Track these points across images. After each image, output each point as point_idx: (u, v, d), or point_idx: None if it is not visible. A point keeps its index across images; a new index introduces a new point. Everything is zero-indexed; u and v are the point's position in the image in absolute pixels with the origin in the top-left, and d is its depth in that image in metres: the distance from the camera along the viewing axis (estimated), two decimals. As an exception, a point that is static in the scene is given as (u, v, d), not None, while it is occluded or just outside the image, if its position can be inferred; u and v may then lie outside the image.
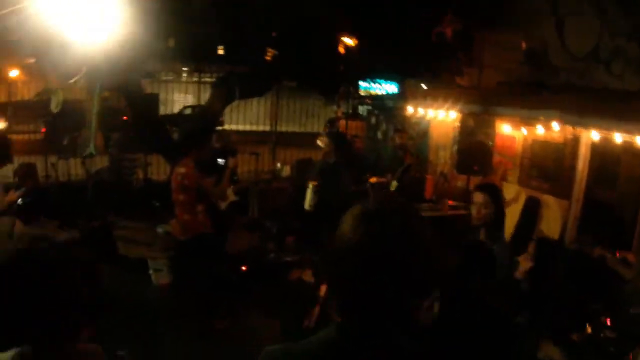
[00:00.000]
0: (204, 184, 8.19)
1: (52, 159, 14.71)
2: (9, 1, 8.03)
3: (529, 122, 10.55)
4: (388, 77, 24.14)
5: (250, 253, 11.39)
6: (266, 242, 11.94)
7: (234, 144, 11.89)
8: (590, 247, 7.99)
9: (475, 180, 10.78)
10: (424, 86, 14.99)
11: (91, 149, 15.73)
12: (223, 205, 9.80)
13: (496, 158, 11.80)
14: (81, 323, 2.39)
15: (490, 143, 11.72)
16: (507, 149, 11.91)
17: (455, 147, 12.90)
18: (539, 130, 10.44)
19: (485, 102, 11.18)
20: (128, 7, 8.47)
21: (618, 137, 8.56)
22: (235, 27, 15.84)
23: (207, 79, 21.06)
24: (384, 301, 2.02)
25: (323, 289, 9.35)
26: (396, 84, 22.67)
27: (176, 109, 26.32)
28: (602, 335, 6.72)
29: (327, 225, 8.39)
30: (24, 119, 21.84)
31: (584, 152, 9.69)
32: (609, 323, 6.76)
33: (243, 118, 20.55)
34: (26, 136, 18.82)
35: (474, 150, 11.37)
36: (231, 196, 10.21)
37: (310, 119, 22.50)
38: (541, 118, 9.82)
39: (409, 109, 13.65)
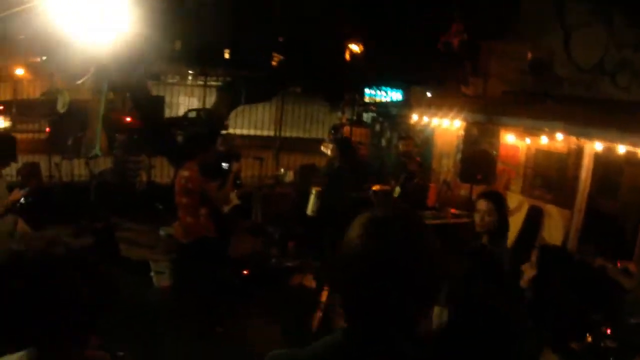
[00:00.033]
0: (207, 187, 8.19)
1: (56, 159, 14.69)
2: (17, 1, 8.06)
3: (532, 132, 10.55)
4: (393, 85, 24.18)
5: (252, 257, 11.39)
6: (269, 247, 11.94)
7: (238, 148, 11.89)
8: (591, 257, 7.99)
9: (478, 189, 10.76)
10: (429, 94, 15.00)
11: (97, 150, 15.75)
12: (226, 209, 9.81)
13: (499, 167, 11.80)
14: (89, 329, 2.38)
15: (495, 152, 11.71)
16: (510, 158, 11.92)
17: (459, 156, 12.89)
18: (543, 140, 10.46)
19: (490, 111, 11.18)
20: (136, 8, 8.49)
21: (621, 148, 8.57)
22: (242, 32, 15.86)
23: (213, 83, 21.07)
24: (390, 307, 2.04)
25: (325, 294, 9.38)
26: (401, 91, 22.69)
27: (181, 112, 26.32)
28: (602, 344, 6.72)
29: (330, 230, 8.40)
30: (29, 117, 21.85)
31: (587, 162, 9.68)
32: (609, 333, 6.75)
33: (247, 122, 20.55)
34: (30, 135, 18.82)
35: (477, 159, 11.36)
36: (234, 200, 10.21)
37: (315, 125, 22.48)
38: (545, 129, 9.83)
39: (414, 117, 13.65)
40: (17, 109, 23.04)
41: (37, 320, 2.23)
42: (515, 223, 10.49)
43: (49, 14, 8.07)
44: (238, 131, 19.85)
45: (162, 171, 16.28)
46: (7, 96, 23.32)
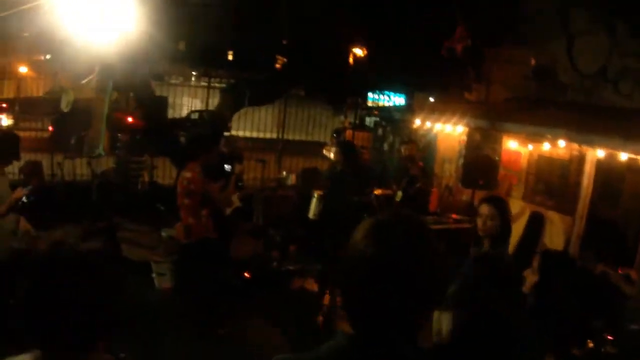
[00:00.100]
0: (209, 189, 8.20)
1: (59, 158, 14.69)
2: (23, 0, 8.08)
3: (535, 138, 10.56)
4: (396, 89, 24.19)
5: (253, 260, 11.40)
6: (270, 249, 11.94)
7: (240, 150, 11.92)
8: (593, 264, 7.99)
9: (480, 194, 10.76)
10: (431, 99, 15.02)
11: (100, 149, 15.77)
12: (228, 211, 9.82)
13: (501, 173, 11.80)
14: (98, 334, 2.37)
15: (497, 158, 11.72)
16: (512, 164, 11.92)
17: (461, 161, 12.87)
18: (545, 146, 10.47)
19: (493, 117, 11.19)
20: (140, 8, 8.52)
21: (623, 156, 8.58)
22: (245, 34, 15.89)
23: (216, 84, 21.09)
24: (393, 310, 2.05)
25: (326, 297, 9.39)
26: (404, 96, 22.70)
27: (184, 113, 26.35)
28: (603, 350, 6.73)
29: (331, 234, 8.41)
30: (31, 116, 21.88)
31: (588, 169, 9.68)
32: (610, 339, 6.77)
33: (250, 125, 20.58)
34: (33, 133, 18.83)
35: (479, 164, 11.35)
36: (236, 202, 10.22)
37: (317, 128, 22.52)
38: (548, 135, 9.84)
39: (416, 122, 13.66)
40: (20, 107, 23.08)
41: (42, 322, 2.23)
42: (517, 229, 10.49)
43: (54, 13, 8.10)
44: (241, 133, 19.90)
45: (164, 172, 16.29)
46: (11, 94, 23.36)
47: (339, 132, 17.72)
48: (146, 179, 15.92)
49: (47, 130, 19.61)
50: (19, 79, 22.92)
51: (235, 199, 10.14)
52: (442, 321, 6.01)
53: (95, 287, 2.27)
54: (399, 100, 25.16)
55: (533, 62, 11.62)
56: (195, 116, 26.53)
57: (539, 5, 11.67)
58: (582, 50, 10.65)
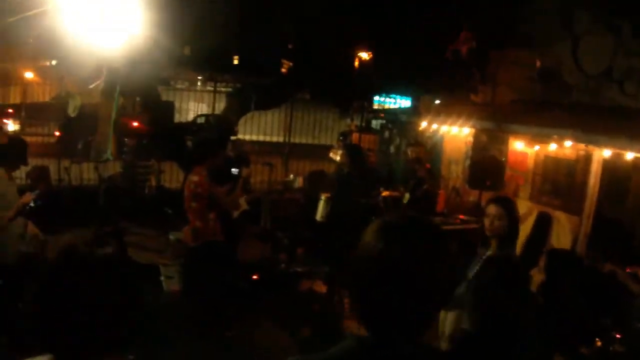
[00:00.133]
0: (216, 192, 8.22)
1: (66, 162, 14.72)
2: (30, 5, 8.12)
3: (541, 139, 10.56)
4: (402, 92, 24.23)
5: (261, 263, 11.41)
6: (278, 252, 11.95)
7: (247, 154, 11.93)
8: (600, 263, 7.99)
9: (487, 195, 10.75)
10: (437, 102, 15.04)
11: (108, 154, 15.80)
12: (235, 214, 9.84)
13: (508, 174, 11.80)
14: (111, 339, 2.36)
15: (503, 159, 11.71)
16: (519, 164, 11.91)
17: (468, 162, 12.88)
18: (551, 146, 10.47)
19: (499, 119, 11.19)
20: (146, 12, 8.55)
21: (630, 155, 8.59)
22: (251, 38, 15.95)
23: (222, 89, 21.11)
24: (403, 311, 2.07)
25: (335, 299, 9.42)
26: (410, 99, 22.73)
27: (190, 117, 26.38)
28: (611, 349, 6.73)
29: (338, 236, 8.43)
30: (38, 121, 21.93)
31: (595, 169, 9.67)
32: (618, 337, 6.77)
33: (257, 129, 20.58)
34: (40, 138, 18.88)
35: (486, 165, 11.35)
36: (243, 205, 10.23)
37: (324, 131, 22.50)
38: (554, 136, 9.84)
39: (423, 124, 13.67)
40: (27, 112, 23.15)
41: (53, 327, 2.23)
42: (524, 229, 10.48)
43: (59, 18, 8.13)
44: (247, 137, 19.89)
45: (171, 176, 16.32)
46: (17, 99, 23.42)
47: (345, 135, 17.67)
48: (153, 183, 15.93)
49: (54, 135, 19.68)
50: (25, 85, 22.96)
51: (243, 202, 10.15)
52: (447, 321, 6.03)
53: (108, 291, 2.28)
54: (404, 102, 25.22)
55: (538, 63, 11.62)
56: (201, 120, 26.57)
57: (543, 6, 11.67)
58: (587, 51, 10.64)
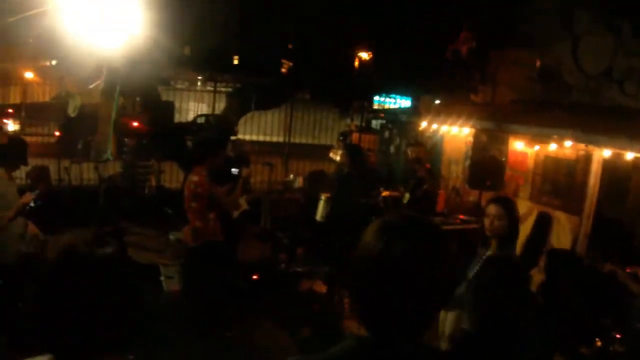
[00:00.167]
0: (216, 192, 8.22)
1: (66, 162, 14.73)
2: (30, 5, 8.13)
3: (541, 139, 10.56)
4: (402, 92, 24.24)
5: (261, 263, 11.41)
6: (278, 252, 11.95)
7: (247, 154, 11.93)
8: (600, 263, 7.98)
9: (487, 195, 10.75)
10: (437, 102, 15.04)
11: (108, 154, 15.81)
12: (235, 214, 9.85)
13: (508, 174, 11.79)
14: (111, 339, 2.35)
15: (503, 159, 11.71)
16: (519, 164, 11.91)
17: (468, 162, 12.87)
18: (551, 146, 10.47)
19: (499, 118, 11.18)
20: (146, 12, 8.56)
21: (630, 155, 8.59)
22: (251, 38, 15.96)
23: (222, 89, 21.12)
24: (403, 311, 2.06)
25: (335, 299, 9.42)
26: (410, 99, 22.74)
27: (190, 117, 26.38)
28: (611, 349, 6.73)
29: (338, 236, 8.43)
30: (38, 121, 21.95)
31: (595, 168, 9.67)
32: (618, 337, 6.77)
33: (257, 129, 20.58)
34: (39, 138, 18.90)
35: (486, 165, 11.34)
36: (244, 205, 10.24)
37: (324, 131, 22.51)
38: (554, 136, 9.84)
39: (423, 124, 13.67)
40: (27, 112, 23.16)
41: (55, 326, 2.22)
42: (524, 229, 10.48)
43: (59, 18, 8.13)
44: (247, 137, 19.90)
45: (171, 176, 16.33)
46: (17, 99, 23.43)
47: (345, 135, 17.69)
48: (153, 183, 15.93)
49: (54, 135, 19.68)
50: (25, 85, 22.97)
51: (243, 202, 10.16)
52: (447, 321, 6.03)
53: (108, 291, 2.27)
54: (404, 102, 25.22)
55: (538, 63, 11.62)
56: (201, 120, 26.58)
57: (543, 6, 11.67)
58: (587, 51, 10.64)
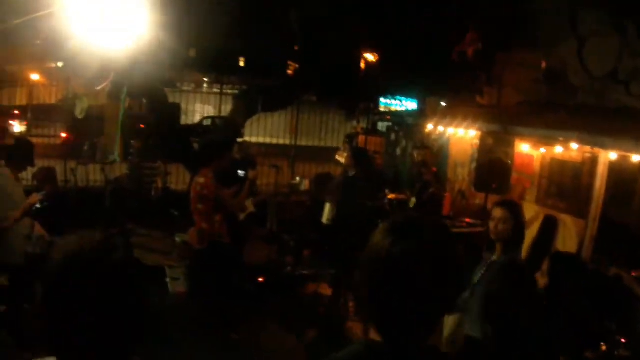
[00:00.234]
0: (222, 194, 8.23)
1: (72, 164, 14.75)
2: (37, 7, 8.14)
3: (547, 141, 10.55)
4: (408, 94, 24.23)
5: (267, 265, 11.41)
6: (284, 255, 11.95)
7: (254, 156, 11.94)
8: (606, 266, 7.96)
9: (493, 198, 10.73)
10: (443, 104, 15.03)
11: (115, 156, 15.83)
12: (242, 216, 9.86)
13: (514, 177, 11.76)
14: (120, 343, 2.35)
15: (509, 161, 11.69)
16: (525, 167, 11.88)
17: (474, 165, 12.84)
18: (557, 149, 10.45)
19: (505, 121, 11.16)
20: (152, 14, 8.58)
21: (636, 157, 8.56)
22: (257, 40, 15.97)
23: (229, 91, 21.13)
24: (411, 314, 2.06)
25: (341, 302, 9.42)
26: (416, 101, 22.74)
27: (196, 119, 26.40)
28: (616, 353, 6.70)
29: (345, 238, 8.42)
30: (44, 122, 22.00)
31: (601, 171, 9.65)
32: (623, 341, 6.74)
33: (263, 131, 20.60)
34: (46, 140, 18.94)
35: (492, 168, 11.31)
36: (250, 208, 10.24)
37: (330, 134, 22.50)
38: (560, 138, 9.82)
39: (429, 126, 13.66)
40: (33, 113, 23.21)
41: (61, 327, 2.22)
42: (530, 233, 10.46)
43: (65, 20, 8.16)
44: (254, 139, 19.93)
45: (177, 178, 16.35)
46: (23, 101, 23.49)
47: (351, 137, 17.73)
48: (159, 184, 15.93)
49: (60, 136, 19.72)
50: (31, 86, 23.03)
51: (249, 205, 10.16)
52: (447, 325, 6.03)
53: (115, 293, 2.27)
54: (411, 105, 25.24)
55: (544, 65, 11.60)
56: (208, 122, 26.63)
57: (548, 7, 11.65)
58: (592, 52, 10.62)
